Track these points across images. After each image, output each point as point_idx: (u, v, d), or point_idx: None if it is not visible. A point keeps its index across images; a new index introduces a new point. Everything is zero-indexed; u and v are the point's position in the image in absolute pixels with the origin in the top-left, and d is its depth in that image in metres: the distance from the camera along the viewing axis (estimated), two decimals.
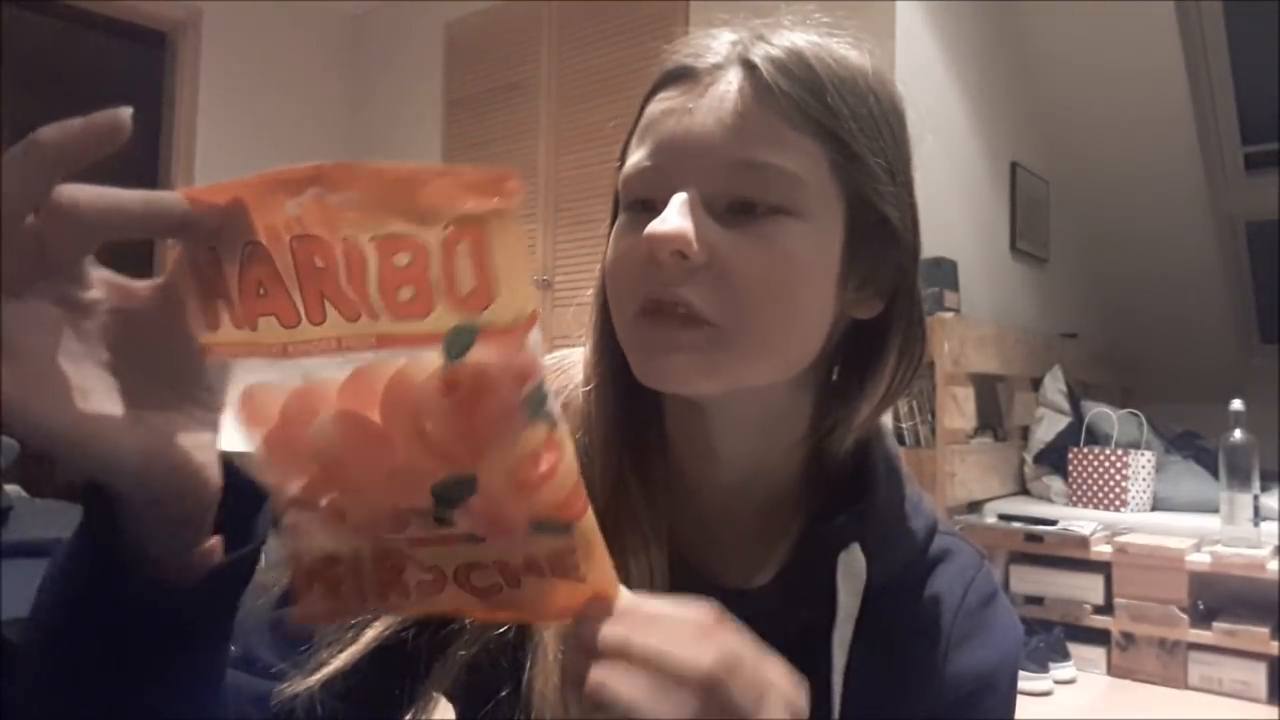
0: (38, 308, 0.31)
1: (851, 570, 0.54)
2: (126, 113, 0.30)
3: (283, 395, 0.32)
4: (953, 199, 2.88)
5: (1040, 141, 3.51)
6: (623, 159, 0.57)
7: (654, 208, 0.51)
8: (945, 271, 2.51)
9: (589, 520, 0.35)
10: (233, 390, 0.33)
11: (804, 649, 0.52)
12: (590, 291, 0.59)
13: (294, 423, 0.32)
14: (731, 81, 0.51)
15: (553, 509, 0.33)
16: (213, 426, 0.35)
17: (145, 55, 3.74)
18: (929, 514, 0.60)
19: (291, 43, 3.96)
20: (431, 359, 0.31)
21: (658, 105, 0.53)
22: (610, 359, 0.56)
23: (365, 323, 0.31)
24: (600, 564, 0.35)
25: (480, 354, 0.31)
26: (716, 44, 0.54)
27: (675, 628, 0.36)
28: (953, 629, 0.57)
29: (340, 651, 0.52)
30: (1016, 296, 3.30)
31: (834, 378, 0.58)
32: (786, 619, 0.53)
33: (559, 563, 0.34)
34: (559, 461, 0.33)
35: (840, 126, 0.51)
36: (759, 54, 0.52)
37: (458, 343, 0.30)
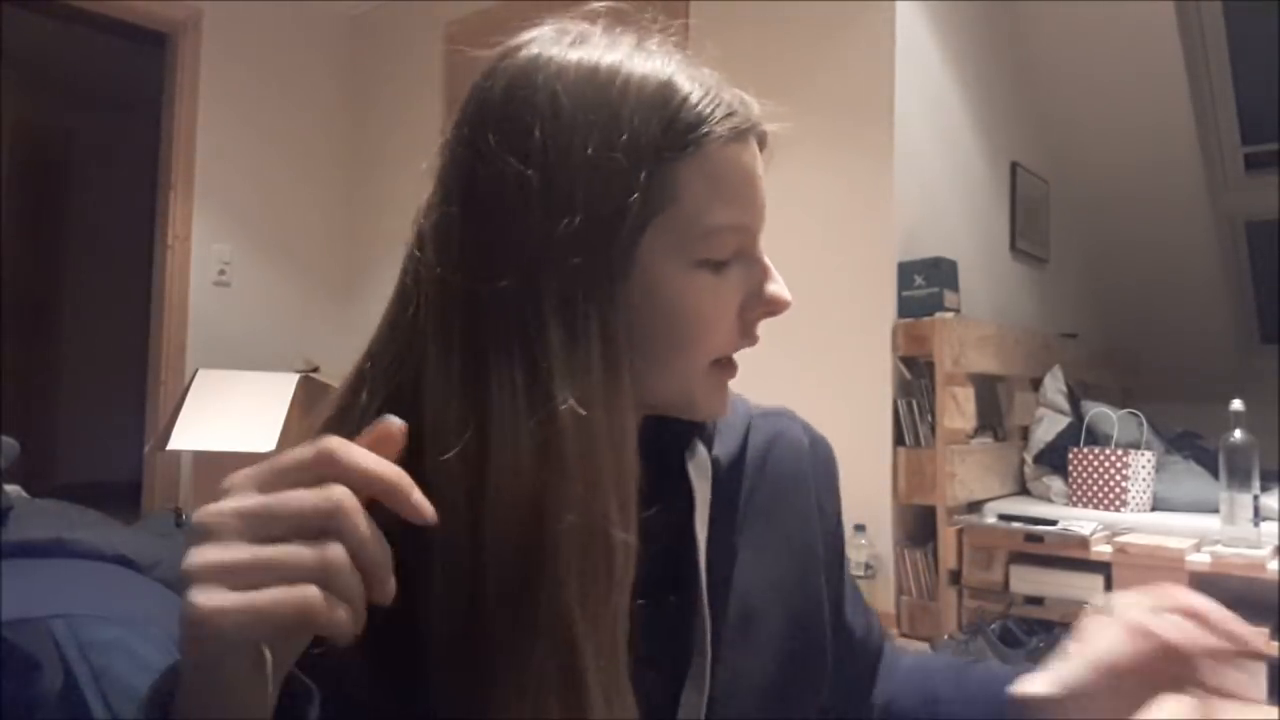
0: None
1: (699, 463, 0.62)
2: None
3: None
4: (953, 199, 2.87)
5: (1040, 141, 3.51)
6: (656, 189, 0.52)
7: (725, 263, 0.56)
8: (945, 271, 2.50)
9: None
10: None
11: (675, 553, 0.59)
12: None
13: None
14: (757, 149, 0.57)
15: None
16: None
17: (145, 55, 3.74)
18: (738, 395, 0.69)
19: (292, 43, 3.96)
20: None
21: (733, 159, 0.55)
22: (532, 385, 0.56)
23: None
24: None
25: None
26: (744, 100, 0.57)
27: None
28: (812, 476, 0.68)
29: None
30: (1016, 296, 3.30)
31: None
32: (653, 524, 0.55)
33: None
34: None
35: None
36: (759, 120, 0.57)
37: None
